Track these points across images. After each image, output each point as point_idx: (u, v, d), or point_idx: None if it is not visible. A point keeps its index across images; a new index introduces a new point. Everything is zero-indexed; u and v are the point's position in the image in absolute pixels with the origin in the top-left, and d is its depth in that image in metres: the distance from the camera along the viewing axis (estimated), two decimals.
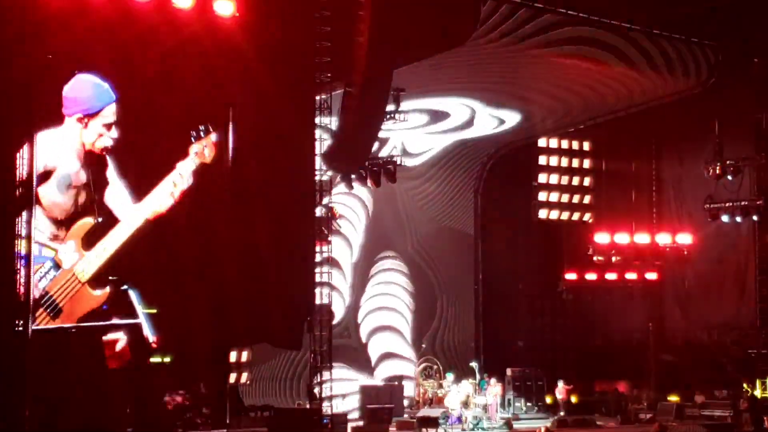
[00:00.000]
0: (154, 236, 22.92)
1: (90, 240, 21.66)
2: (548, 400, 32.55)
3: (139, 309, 22.41)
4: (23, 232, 20.71)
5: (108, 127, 22.00)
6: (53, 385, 20.40)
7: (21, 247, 20.60)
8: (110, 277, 21.71)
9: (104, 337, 21.61)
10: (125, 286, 22.22)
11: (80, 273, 21.55)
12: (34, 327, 20.75)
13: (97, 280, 21.65)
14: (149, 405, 21.73)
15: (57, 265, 21.29)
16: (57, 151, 21.29)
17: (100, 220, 21.67)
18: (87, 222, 21.60)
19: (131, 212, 22.26)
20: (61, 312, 21.25)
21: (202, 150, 23.01)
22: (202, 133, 23.08)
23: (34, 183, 20.90)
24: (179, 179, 22.79)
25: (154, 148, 22.62)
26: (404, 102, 27.67)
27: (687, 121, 34.26)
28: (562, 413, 31.03)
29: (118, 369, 21.26)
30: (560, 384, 31.91)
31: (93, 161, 21.83)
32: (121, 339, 21.72)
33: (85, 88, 21.58)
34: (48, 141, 21.13)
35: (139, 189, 22.52)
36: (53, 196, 21.21)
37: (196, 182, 23.63)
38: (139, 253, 22.62)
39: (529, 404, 32.71)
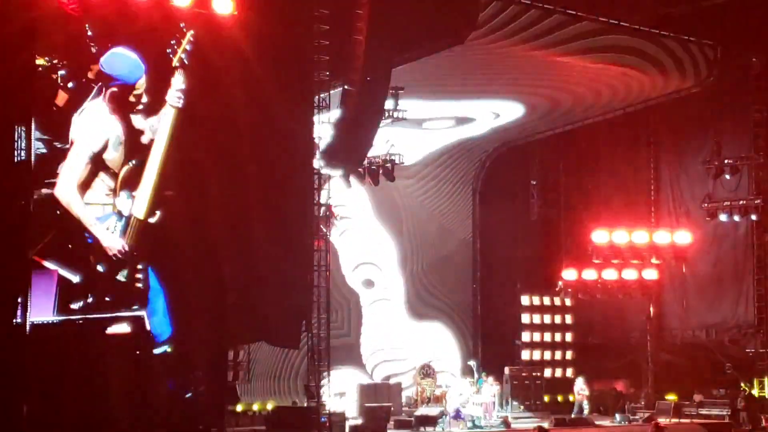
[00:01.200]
0: (155, 235, 22.96)
1: (133, 182, 22.62)
2: (571, 398, 32.49)
3: None
4: None
5: (139, 97, 22.68)
6: (52, 379, 20.37)
7: None
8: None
9: (108, 329, 21.89)
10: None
11: (137, 213, 22.63)
12: (32, 320, 20.76)
13: (150, 211, 22.76)
14: (149, 394, 21.84)
15: (120, 215, 22.43)
16: (105, 119, 22.31)
17: (133, 163, 22.66)
18: (127, 168, 22.63)
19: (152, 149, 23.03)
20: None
21: (182, 60, 22.90)
22: (179, 36, 22.87)
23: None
24: (175, 102, 22.96)
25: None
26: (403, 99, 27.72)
27: (685, 120, 34.30)
28: (575, 412, 31.00)
29: (122, 359, 21.51)
30: (580, 382, 31.80)
31: (124, 116, 22.69)
32: (125, 330, 22.02)
33: (128, 61, 22.44)
34: (94, 113, 22.12)
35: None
36: (111, 154, 22.45)
37: (196, 181, 23.70)
38: (140, 251, 22.78)
39: (527, 402, 32.74)
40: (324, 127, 25.94)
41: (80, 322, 21.64)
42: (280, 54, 24.37)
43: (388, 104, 27.15)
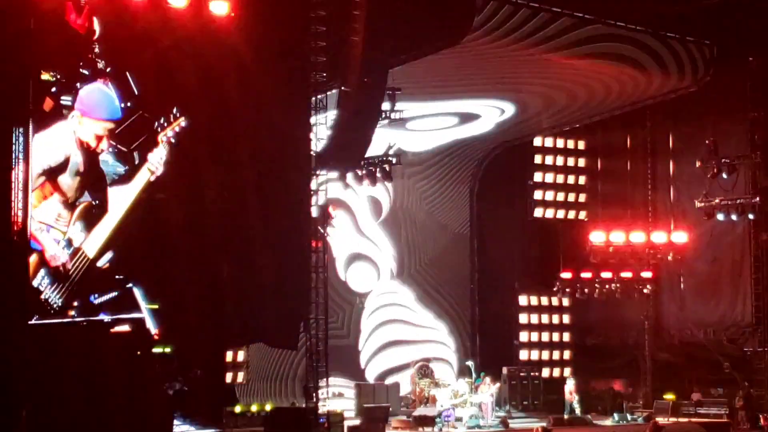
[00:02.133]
0: (154, 238, 23.10)
1: (91, 222, 22.54)
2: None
3: (143, 305, 22.91)
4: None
5: (99, 138, 22.57)
6: (52, 381, 20.39)
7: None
8: (116, 276, 22.63)
9: (111, 330, 22.23)
10: (130, 284, 22.77)
11: (87, 250, 22.45)
12: (31, 322, 20.82)
13: (100, 255, 22.63)
14: (149, 391, 21.96)
15: (69, 243, 22.21)
16: (67, 142, 22.22)
17: (96, 203, 22.61)
18: (87, 205, 22.55)
19: (118, 198, 22.99)
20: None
21: (168, 138, 23.16)
22: (171, 118, 23.15)
23: (30, 181, 21.07)
24: (154, 167, 23.11)
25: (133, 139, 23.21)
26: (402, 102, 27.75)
27: (682, 119, 34.32)
28: (567, 413, 30.96)
29: (124, 358, 21.69)
30: (571, 384, 31.74)
31: (87, 149, 22.63)
32: (126, 331, 22.39)
33: (97, 96, 22.46)
34: (58, 134, 22.07)
35: (122, 178, 23.12)
36: (67, 180, 22.26)
37: (194, 182, 23.72)
38: (140, 254, 22.94)
39: (525, 403, 32.74)
40: (321, 129, 25.95)
41: (84, 323, 21.79)
42: (277, 55, 24.37)
43: (385, 105, 27.12)
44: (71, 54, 21.90)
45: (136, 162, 22.92)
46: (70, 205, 22.18)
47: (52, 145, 21.80)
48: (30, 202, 20.85)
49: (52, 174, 21.85)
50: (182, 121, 23.11)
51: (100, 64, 22.23)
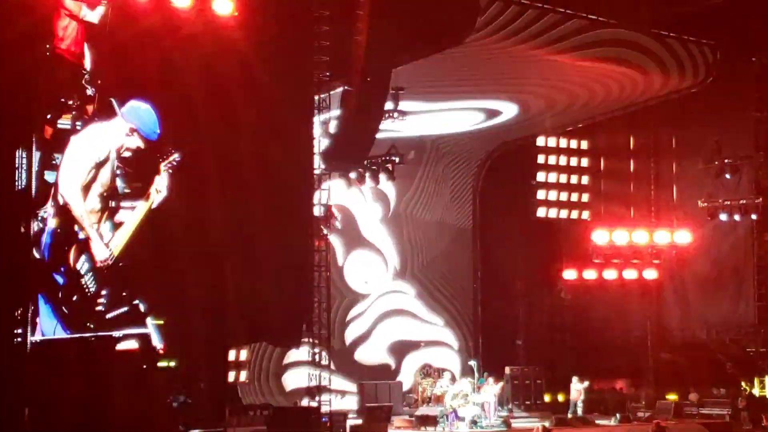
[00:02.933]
0: (159, 247, 23.17)
1: (115, 226, 22.94)
2: (560, 398, 32.48)
3: (149, 320, 23.07)
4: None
5: (137, 150, 23.02)
6: (57, 395, 20.47)
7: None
8: (122, 293, 22.84)
9: (117, 346, 22.37)
10: (137, 301, 22.94)
11: (114, 247, 22.81)
12: (32, 339, 20.90)
13: (121, 257, 23.02)
14: (154, 404, 22.02)
15: (100, 237, 22.64)
16: (110, 141, 22.77)
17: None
18: (112, 208, 22.93)
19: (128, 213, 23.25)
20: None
21: (167, 168, 23.48)
22: (167, 154, 23.48)
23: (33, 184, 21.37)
24: (155, 193, 23.39)
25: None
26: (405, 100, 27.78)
27: (685, 119, 34.31)
28: (571, 412, 30.93)
29: (130, 372, 21.98)
30: (575, 381, 31.71)
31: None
32: (133, 346, 22.63)
33: (149, 116, 23.03)
34: (106, 130, 22.69)
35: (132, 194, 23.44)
36: (107, 174, 22.78)
37: (197, 183, 23.79)
38: (145, 267, 23.07)
39: (528, 402, 32.74)
40: (324, 128, 25.97)
41: (92, 339, 21.97)
42: (281, 55, 24.36)
43: (388, 104, 27.16)
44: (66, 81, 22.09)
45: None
46: (104, 202, 22.63)
47: (97, 138, 22.39)
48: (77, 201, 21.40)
49: (99, 166, 22.47)
50: (177, 156, 23.37)
51: (89, 91, 22.32)
